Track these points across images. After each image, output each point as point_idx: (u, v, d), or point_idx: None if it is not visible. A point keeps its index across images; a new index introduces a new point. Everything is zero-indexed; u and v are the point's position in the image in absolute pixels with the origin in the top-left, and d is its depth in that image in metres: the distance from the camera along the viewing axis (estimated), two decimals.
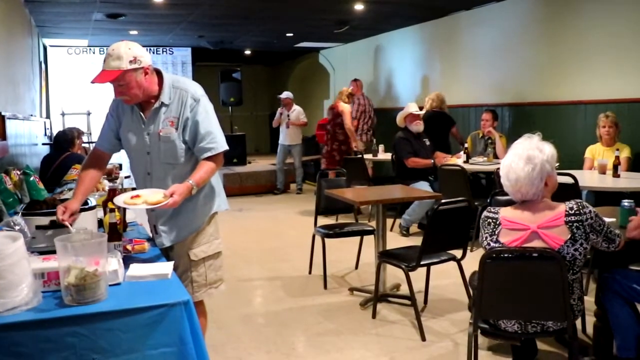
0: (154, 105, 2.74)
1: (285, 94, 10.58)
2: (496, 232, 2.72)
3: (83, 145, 6.29)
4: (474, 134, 7.35)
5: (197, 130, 2.71)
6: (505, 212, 2.75)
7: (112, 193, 3.00)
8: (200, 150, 2.73)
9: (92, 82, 2.62)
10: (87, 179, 2.80)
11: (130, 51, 2.60)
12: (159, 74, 2.78)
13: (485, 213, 2.82)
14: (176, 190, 2.55)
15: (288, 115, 10.30)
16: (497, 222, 2.73)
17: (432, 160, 6.61)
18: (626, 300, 2.92)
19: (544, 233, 2.63)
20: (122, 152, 2.98)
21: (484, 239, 2.79)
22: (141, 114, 2.78)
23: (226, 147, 2.78)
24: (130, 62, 2.59)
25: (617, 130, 5.63)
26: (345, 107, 8.66)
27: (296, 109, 10.41)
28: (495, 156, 6.77)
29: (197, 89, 2.79)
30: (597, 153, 5.71)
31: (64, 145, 5.49)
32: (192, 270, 2.86)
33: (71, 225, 2.49)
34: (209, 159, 2.73)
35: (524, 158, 2.66)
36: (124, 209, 3.03)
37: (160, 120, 2.74)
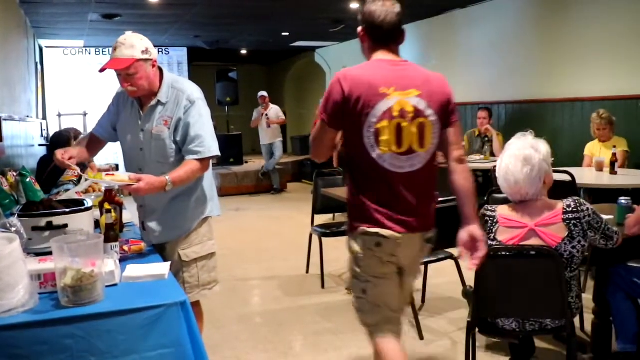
0: (152, 102, 2.75)
1: (265, 93, 10.61)
2: (493, 230, 2.73)
3: None
4: (470, 132, 7.34)
5: (187, 132, 2.71)
6: (503, 210, 2.76)
7: (109, 194, 2.99)
8: (187, 152, 2.72)
9: (102, 69, 2.65)
10: (81, 149, 2.93)
11: (142, 42, 2.65)
12: (160, 71, 2.79)
13: (482, 211, 2.82)
14: (144, 178, 2.53)
15: (267, 115, 10.31)
16: (495, 220, 2.74)
17: None
18: (628, 294, 2.93)
19: (541, 231, 2.63)
20: (120, 153, 2.98)
21: None
22: (139, 110, 2.79)
23: (215, 153, 2.76)
24: (143, 52, 2.63)
25: (612, 128, 5.64)
26: None
27: (273, 108, 10.46)
28: (492, 154, 6.77)
29: (194, 92, 2.79)
30: (595, 150, 5.72)
31: (60, 146, 5.43)
32: (184, 271, 2.85)
33: (70, 167, 2.70)
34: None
35: (521, 159, 2.64)
36: (121, 209, 3.03)
37: (155, 118, 2.75)
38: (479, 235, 2.33)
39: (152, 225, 2.86)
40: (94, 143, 3.01)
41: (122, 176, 2.61)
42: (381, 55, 2.36)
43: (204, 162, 2.74)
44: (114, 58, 2.62)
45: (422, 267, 2.63)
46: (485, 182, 6.87)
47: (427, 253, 2.54)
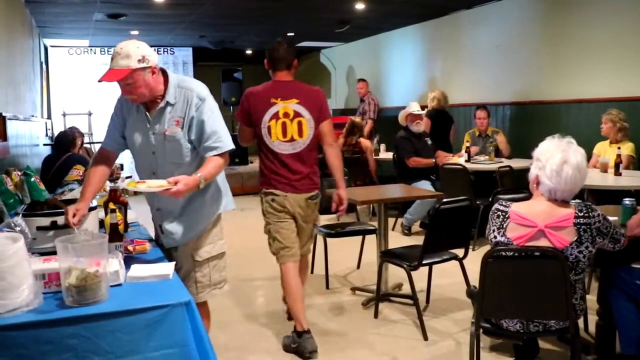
0: (160, 104, 2.72)
1: None
2: (504, 226, 2.71)
3: (84, 145, 6.28)
4: (472, 132, 7.28)
5: (203, 129, 2.70)
6: (517, 207, 2.74)
7: (113, 193, 3.00)
8: (206, 149, 2.71)
9: (100, 80, 2.59)
10: (95, 179, 2.76)
11: (139, 50, 2.58)
12: (164, 73, 2.76)
13: (496, 205, 2.80)
14: (181, 180, 2.50)
15: None
16: (507, 216, 2.72)
17: (434, 160, 6.59)
18: (630, 297, 2.91)
19: (550, 232, 2.61)
20: (124, 152, 2.97)
21: (491, 231, 2.77)
22: (146, 113, 2.76)
23: (232, 147, 2.77)
24: (139, 61, 2.57)
25: (617, 128, 5.60)
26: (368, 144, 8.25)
27: None
28: (497, 155, 6.74)
29: (202, 89, 2.78)
30: (603, 150, 5.69)
31: (65, 145, 5.48)
32: (197, 271, 2.86)
33: (77, 227, 2.47)
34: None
35: (584, 156, 2.70)
36: (126, 209, 3.04)
37: (165, 120, 2.73)
38: (343, 196, 3.76)
39: (171, 227, 2.84)
40: (105, 159, 2.87)
41: (160, 181, 2.54)
42: (277, 77, 3.75)
43: (225, 156, 2.75)
44: (110, 69, 2.57)
45: (318, 218, 3.94)
46: (490, 183, 6.85)
47: (316, 208, 3.80)
